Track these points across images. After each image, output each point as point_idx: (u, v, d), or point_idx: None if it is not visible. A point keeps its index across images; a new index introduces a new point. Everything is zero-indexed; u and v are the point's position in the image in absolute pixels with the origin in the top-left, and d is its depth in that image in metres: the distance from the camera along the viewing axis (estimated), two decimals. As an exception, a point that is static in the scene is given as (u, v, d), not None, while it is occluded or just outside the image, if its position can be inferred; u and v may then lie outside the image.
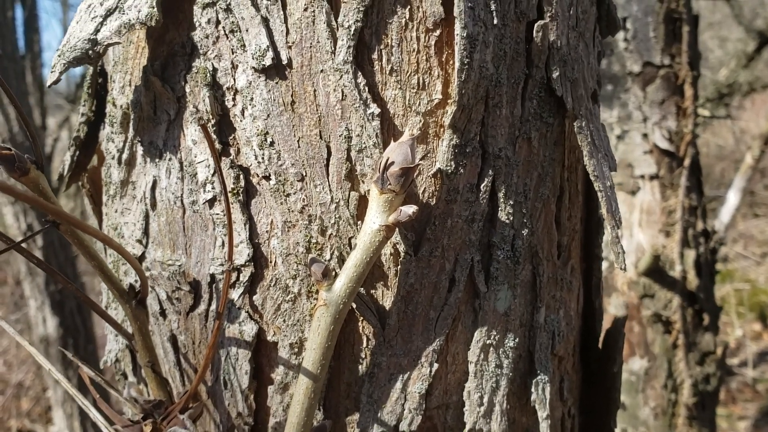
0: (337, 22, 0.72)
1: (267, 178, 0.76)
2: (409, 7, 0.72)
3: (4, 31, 4.27)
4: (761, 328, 6.68)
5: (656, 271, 2.44)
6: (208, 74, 0.76)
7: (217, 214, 0.79)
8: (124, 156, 0.87)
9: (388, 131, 0.75)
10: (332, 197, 0.75)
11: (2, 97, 3.75)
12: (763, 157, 5.61)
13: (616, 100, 2.54)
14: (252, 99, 0.75)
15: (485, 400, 0.82)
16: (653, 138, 2.48)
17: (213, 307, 0.82)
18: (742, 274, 7.23)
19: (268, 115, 0.75)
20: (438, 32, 0.73)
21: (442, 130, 0.75)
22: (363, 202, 0.76)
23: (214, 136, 0.77)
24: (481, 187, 0.78)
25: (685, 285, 2.44)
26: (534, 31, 0.76)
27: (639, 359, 2.51)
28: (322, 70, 0.73)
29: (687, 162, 2.43)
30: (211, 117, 0.77)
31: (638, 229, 2.51)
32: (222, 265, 0.80)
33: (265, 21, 0.73)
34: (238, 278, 0.79)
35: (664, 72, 2.45)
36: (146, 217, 0.86)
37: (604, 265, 2.55)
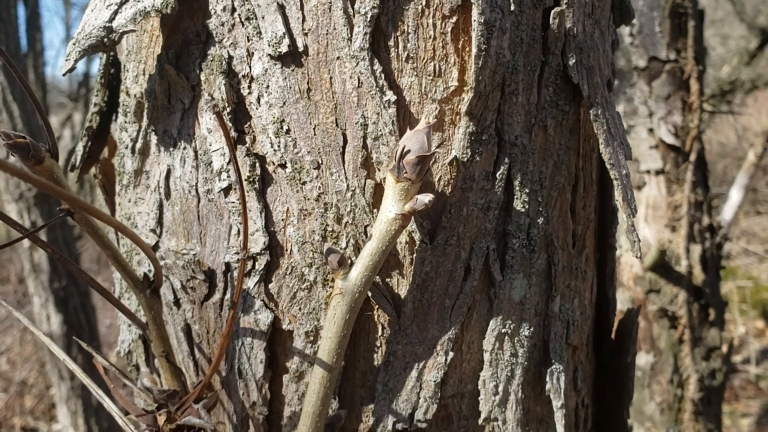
0: (353, 8, 0.72)
1: (283, 166, 0.76)
2: (425, -7, 0.72)
3: (7, 29, 4.27)
4: (764, 325, 6.67)
5: (662, 266, 2.44)
6: (224, 62, 0.76)
7: (233, 202, 0.79)
8: (138, 145, 0.87)
9: (404, 119, 0.74)
10: (348, 185, 0.75)
11: (5, 95, 3.75)
12: (765, 154, 5.59)
13: (622, 95, 2.54)
14: (268, 86, 0.75)
15: (500, 389, 0.81)
16: (659, 133, 2.47)
17: (228, 296, 0.82)
18: (745, 272, 7.22)
19: (284, 103, 0.75)
20: (455, 19, 0.72)
21: (458, 117, 0.75)
22: (379, 190, 0.76)
23: (230, 124, 0.77)
24: (497, 175, 0.77)
25: (691, 280, 2.43)
26: (550, 18, 0.75)
27: (645, 354, 2.51)
28: (338, 57, 0.73)
29: (693, 157, 2.42)
30: (226, 105, 0.76)
31: (644, 224, 2.51)
32: (237, 253, 0.80)
33: (282, 8, 0.73)
34: (253, 267, 0.79)
35: (669, 67, 2.45)
36: (160, 207, 0.86)
37: (610, 260, 2.55)
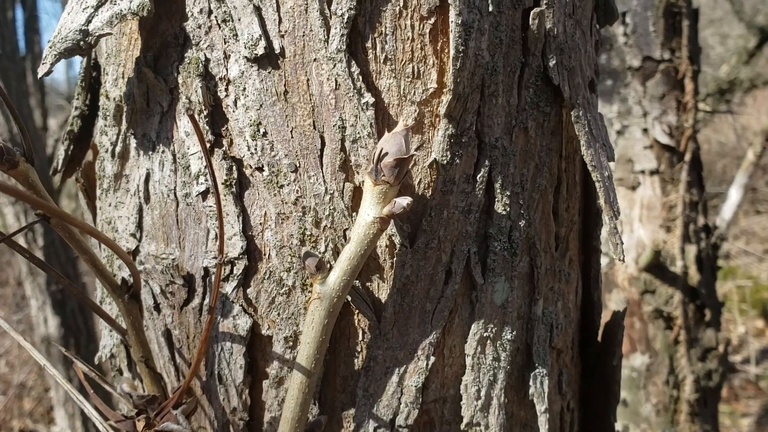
0: (330, 10, 0.71)
1: (260, 169, 0.76)
2: (402, -6, 0.71)
3: (5, 31, 4.27)
4: (764, 324, 6.66)
5: (657, 266, 2.43)
6: (201, 65, 0.76)
7: (210, 206, 0.78)
8: (118, 149, 0.86)
9: (383, 121, 0.74)
10: (326, 188, 0.75)
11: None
12: (764, 153, 5.59)
13: (616, 95, 2.53)
14: (244, 89, 0.74)
15: (483, 393, 0.81)
16: (653, 133, 2.46)
17: (207, 301, 0.81)
18: (745, 271, 7.21)
19: (261, 105, 0.74)
20: (432, 20, 0.72)
21: (437, 119, 0.74)
22: (357, 193, 0.75)
23: (207, 128, 0.76)
24: (478, 177, 0.77)
25: (686, 280, 2.43)
26: (530, 19, 0.75)
27: (640, 355, 2.50)
28: (315, 59, 0.72)
29: (688, 157, 2.41)
30: (203, 108, 0.76)
31: (639, 224, 2.50)
32: (215, 258, 0.79)
33: (258, 10, 0.72)
34: (231, 271, 0.78)
35: (664, 66, 2.44)
36: (140, 211, 0.85)
37: (605, 260, 2.54)
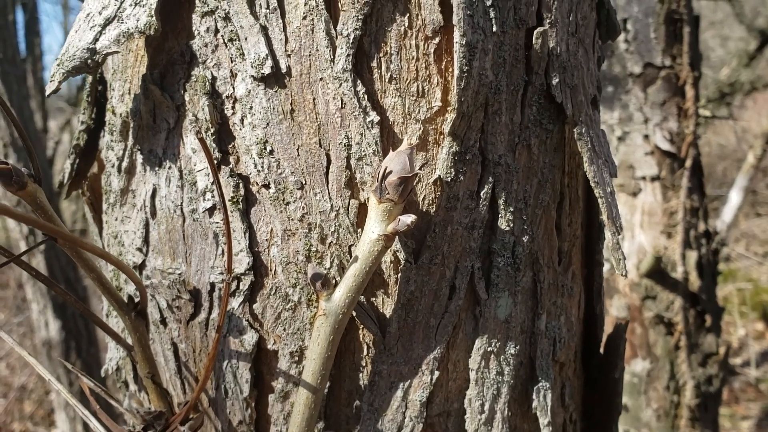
0: (336, 30, 0.72)
1: (267, 186, 0.76)
2: (408, 15, 0.72)
3: (5, 34, 4.27)
4: (764, 327, 6.67)
5: (658, 272, 2.43)
6: (207, 83, 0.76)
7: (217, 222, 0.79)
8: (124, 164, 0.87)
9: (388, 139, 0.74)
10: (332, 205, 0.75)
11: (4, 102, 3.75)
12: (765, 156, 5.59)
13: (617, 102, 2.54)
14: (251, 107, 0.75)
15: (486, 407, 0.81)
16: (654, 139, 2.47)
17: (213, 315, 0.82)
18: (745, 274, 7.22)
19: (268, 124, 0.75)
20: (437, 40, 0.72)
21: (441, 137, 0.75)
22: (363, 210, 0.76)
23: (213, 145, 0.77)
24: (481, 194, 0.77)
25: (687, 286, 2.43)
26: (533, 38, 0.76)
27: (641, 361, 2.51)
28: (321, 78, 0.73)
29: (688, 163, 2.42)
30: (210, 126, 0.77)
31: (640, 230, 2.51)
32: (222, 273, 0.80)
33: (264, 29, 0.73)
34: (237, 287, 0.79)
35: (665, 73, 2.45)
36: (146, 226, 0.86)
37: (605, 267, 2.55)
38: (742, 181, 5.51)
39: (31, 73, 5.55)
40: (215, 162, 0.77)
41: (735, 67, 6.70)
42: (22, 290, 5.36)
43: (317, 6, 0.71)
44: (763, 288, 6.94)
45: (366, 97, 0.73)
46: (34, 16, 5.89)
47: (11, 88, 4.12)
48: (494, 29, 0.73)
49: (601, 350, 1.00)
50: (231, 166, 0.77)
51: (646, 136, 2.48)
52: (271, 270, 0.78)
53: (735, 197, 5.48)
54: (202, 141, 0.60)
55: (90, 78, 0.93)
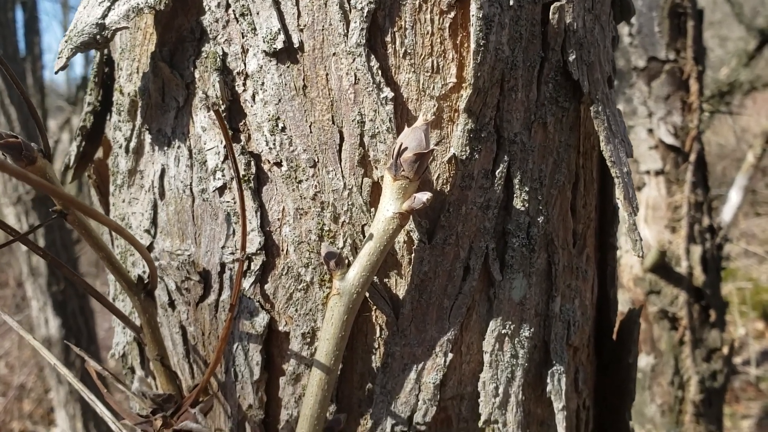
0: (349, 4, 0.71)
1: (278, 164, 0.75)
2: (423, -12, 0.71)
3: (5, 32, 4.26)
4: (764, 326, 6.66)
5: (662, 267, 2.42)
6: (218, 59, 0.75)
7: (228, 202, 0.78)
8: (132, 144, 0.86)
9: (402, 116, 0.73)
10: (345, 183, 0.74)
11: (3, 98, 3.74)
12: (764, 155, 5.58)
13: (621, 96, 2.53)
14: (263, 83, 0.74)
15: (500, 390, 0.80)
16: (658, 133, 2.46)
17: (223, 297, 0.80)
18: (745, 273, 7.21)
19: (280, 100, 0.74)
20: (452, 14, 0.71)
21: (456, 114, 0.74)
22: (376, 188, 0.74)
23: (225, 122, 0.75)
24: (496, 173, 0.76)
25: (691, 281, 2.42)
26: (550, 13, 0.74)
27: (645, 356, 2.50)
28: (334, 54, 0.72)
29: (693, 157, 2.41)
30: (220, 103, 0.75)
31: (644, 224, 2.50)
32: (233, 254, 0.78)
33: (277, 4, 0.72)
34: (249, 267, 0.77)
35: (669, 67, 2.44)
36: (154, 207, 0.84)
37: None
38: (741, 180, 5.50)
39: (30, 72, 5.52)
40: (226, 139, 0.76)
41: (734, 67, 6.70)
42: (22, 288, 5.34)
43: (331, -21, 0.70)
44: (763, 287, 6.94)
45: (380, 72, 0.71)
46: (34, 15, 5.87)
47: (11, 86, 4.11)
48: (511, 3, 0.72)
49: (614, 336, 0.98)
50: (242, 143, 0.76)
51: (650, 130, 2.47)
52: (282, 250, 0.77)
53: (734, 196, 5.47)
54: (217, 113, 0.59)
55: (97, 58, 0.92)
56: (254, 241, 0.77)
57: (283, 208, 0.76)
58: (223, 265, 0.79)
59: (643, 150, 2.50)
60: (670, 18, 2.43)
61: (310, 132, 0.74)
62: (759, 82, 6.65)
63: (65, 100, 7.69)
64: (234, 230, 0.78)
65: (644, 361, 2.50)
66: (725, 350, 2.47)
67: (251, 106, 0.75)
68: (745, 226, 8.17)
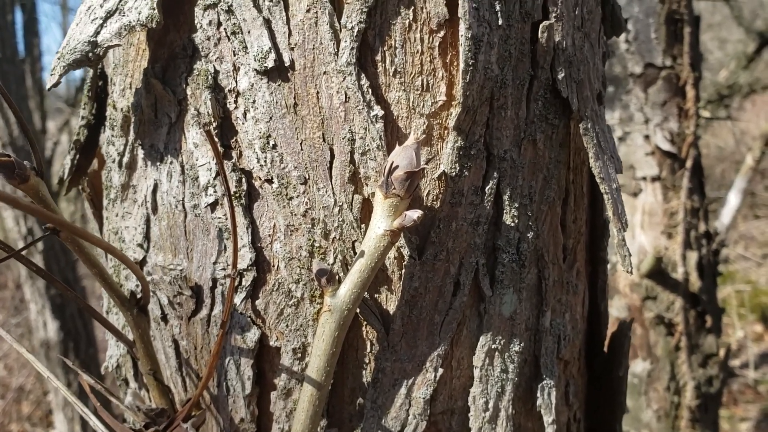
0: (340, 23, 0.71)
1: (269, 181, 0.76)
2: (412, 8, 0.71)
3: (4, 34, 4.26)
4: (762, 329, 6.66)
5: (659, 273, 2.43)
6: (210, 76, 0.76)
7: (219, 218, 0.78)
8: (125, 159, 0.86)
9: (392, 133, 0.74)
10: (335, 200, 0.75)
11: (2, 102, 3.74)
12: (763, 158, 5.59)
13: (618, 102, 2.53)
14: (254, 101, 0.75)
15: (490, 405, 0.81)
16: (655, 139, 2.47)
17: (215, 312, 0.81)
18: (743, 276, 7.21)
19: (271, 118, 0.74)
20: (442, 33, 0.72)
21: (446, 132, 0.74)
22: (366, 205, 0.75)
23: (216, 140, 0.76)
24: (486, 189, 0.77)
25: (687, 287, 2.43)
26: (539, 32, 0.75)
27: (641, 361, 2.50)
28: (325, 72, 0.72)
29: (689, 163, 2.42)
30: (212, 120, 0.76)
31: (640, 231, 2.50)
32: (224, 269, 0.79)
33: (267, 22, 0.73)
34: (240, 283, 0.78)
35: (665, 73, 2.44)
36: (147, 221, 0.85)
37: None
38: (740, 183, 5.51)
39: (29, 74, 5.53)
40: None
41: (733, 70, 6.71)
42: (20, 291, 5.34)
43: (321, -1, 0.71)
44: (762, 290, 6.94)
45: (370, 91, 0.72)
46: (33, 17, 5.87)
47: (10, 88, 4.11)
48: (500, 22, 0.72)
49: (605, 349, 0.99)
50: (234, 160, 0.76)
51: (647, 137, 2.48)
52: (273, 266, 0.77)
53: (733, 199, 5.47)
54: (208, 133, 0.59)
55: (91, 73, 0.92)
56: (245, 257, 0.77)
57: (274, 225, 0.76)
58: (214, 281, 0.80)
59: (640, 156, 2.50)
60: (666, 24, 2.44)
61: (301, 149, 0.74)
62: (758, 85, 6.66)
63: (64, 101, 7.70)
64: (225, 246, 0.78)
65: (640, 366, 2.50)
66: (721, 355, 2.48)
67: (242, 123, 0.76)
68: (745, 229, 8.17)
